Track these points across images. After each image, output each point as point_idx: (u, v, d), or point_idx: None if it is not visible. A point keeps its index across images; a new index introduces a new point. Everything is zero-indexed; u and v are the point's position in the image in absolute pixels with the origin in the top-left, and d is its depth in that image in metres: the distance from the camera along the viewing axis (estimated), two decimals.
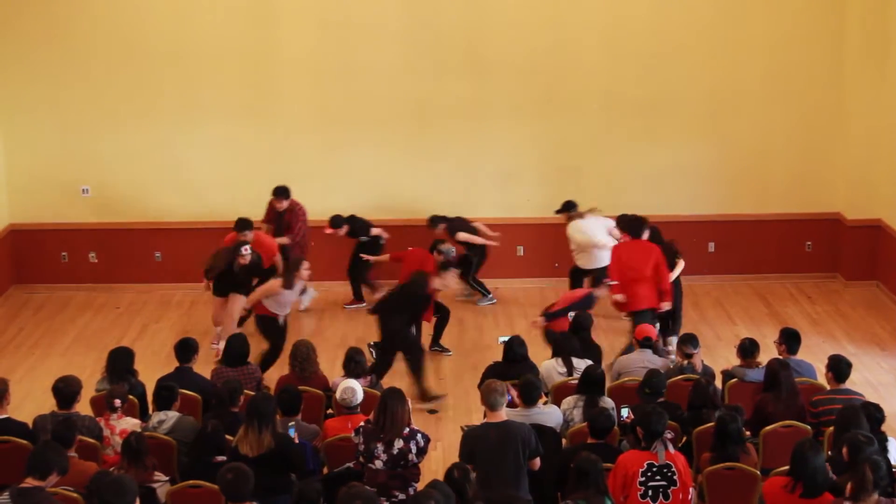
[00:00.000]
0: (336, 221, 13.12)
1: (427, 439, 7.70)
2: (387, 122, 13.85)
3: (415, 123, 13.87)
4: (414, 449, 7.58)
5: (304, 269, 11.23)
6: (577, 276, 12.70)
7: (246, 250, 11.75)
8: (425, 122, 13.86)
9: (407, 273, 11.65)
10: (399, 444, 7.54)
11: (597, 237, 12.42)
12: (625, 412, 8.47)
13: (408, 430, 7.61)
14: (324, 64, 13.73)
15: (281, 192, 12.93)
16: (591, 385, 8.64)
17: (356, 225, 13.18)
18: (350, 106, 13.80)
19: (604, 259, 11.99)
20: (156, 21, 13.56)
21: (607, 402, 8.60)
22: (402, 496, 7.55)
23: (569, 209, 12.75)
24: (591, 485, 6.86)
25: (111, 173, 13.93)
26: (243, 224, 12.21)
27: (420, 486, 7.48)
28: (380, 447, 7.53)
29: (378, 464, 7.54)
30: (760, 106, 13.85)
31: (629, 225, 11.59)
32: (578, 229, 12.57)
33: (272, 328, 11.23)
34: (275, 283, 11.18)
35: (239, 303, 11.82)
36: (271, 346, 11.22)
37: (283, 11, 13.61)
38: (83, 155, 13.87)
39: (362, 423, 7.74)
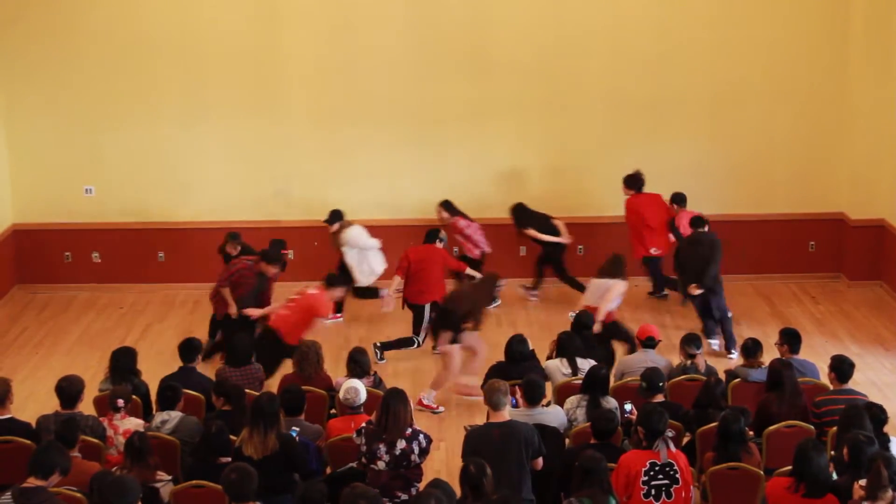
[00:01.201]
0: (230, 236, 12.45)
1: (429, 440, 7.69)
2: (391, 123, 13.84)
3: (418, 124, 13.84)
4: (416, 449, 7.57)
5: None
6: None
7: (503, 282, 11.29)
8: (429, 122, 13.83)
9: (428, 269, 11.70)
10: (401, 444, 7.53)
11: (363, 240, 12.77)
12: (628, 406, 8.48)
13: (410, 430, 7.60)
14: (327, 65, 13.72)
15: (275, 258, 11.64)
16: (594, 385, 8.65)
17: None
18: (354, 106, 13.78)
19: (376, 267, 12.76)
20: (159, 21, 13.55)
21: (610, 402, 8.60)
22: (404, 496, 7.54)
23: (339, 218, 12.90)
24: (596, 483, 6.87)
25: (114, 173, 13.93)
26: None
27: (422, 486, 7.48)
28: (382, 448, 7.52)
29: (380, 464, 7.53)
30: (763, 105, 13.83)
31: (631, 181, 13.03)
32: (351, 232, 12.78)
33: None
34: (621, 283, 11.03)
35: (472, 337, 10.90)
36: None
37: (288, 11, 13.59)
38: (86, 155, 13.87)
39: (364, 424, 7.74)
